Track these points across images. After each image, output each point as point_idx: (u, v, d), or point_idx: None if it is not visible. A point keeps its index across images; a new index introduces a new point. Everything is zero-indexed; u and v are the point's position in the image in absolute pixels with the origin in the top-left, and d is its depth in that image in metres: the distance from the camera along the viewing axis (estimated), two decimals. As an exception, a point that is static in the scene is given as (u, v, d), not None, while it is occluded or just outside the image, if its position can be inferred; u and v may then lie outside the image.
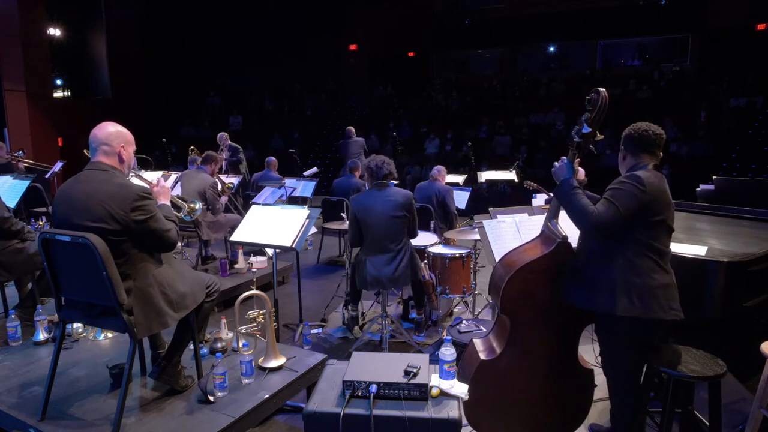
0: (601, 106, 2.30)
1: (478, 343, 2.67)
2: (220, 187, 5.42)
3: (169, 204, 2.70)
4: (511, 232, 3.13)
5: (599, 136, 2.37)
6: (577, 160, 2.42)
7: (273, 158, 7.50)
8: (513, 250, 2.60)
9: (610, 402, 2.51)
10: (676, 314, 2.23)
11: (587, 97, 2.33)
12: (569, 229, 2.43)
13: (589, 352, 3.29)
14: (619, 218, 2.19)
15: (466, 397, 2.29)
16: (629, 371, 2.38)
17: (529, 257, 2.45)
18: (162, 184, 2.72)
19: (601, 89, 2.31)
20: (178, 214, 2.81)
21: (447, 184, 6.06)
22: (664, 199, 2.25)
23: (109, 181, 2.33)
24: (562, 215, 2.45)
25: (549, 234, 2.49)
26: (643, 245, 2.23)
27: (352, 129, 9.81)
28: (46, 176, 7.68)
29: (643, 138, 2.33)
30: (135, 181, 2.61)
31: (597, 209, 2.22)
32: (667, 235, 2.30)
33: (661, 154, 2.36)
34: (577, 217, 2.28)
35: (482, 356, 2.56)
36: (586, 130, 2.34)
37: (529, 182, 4.26)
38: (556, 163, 2.43)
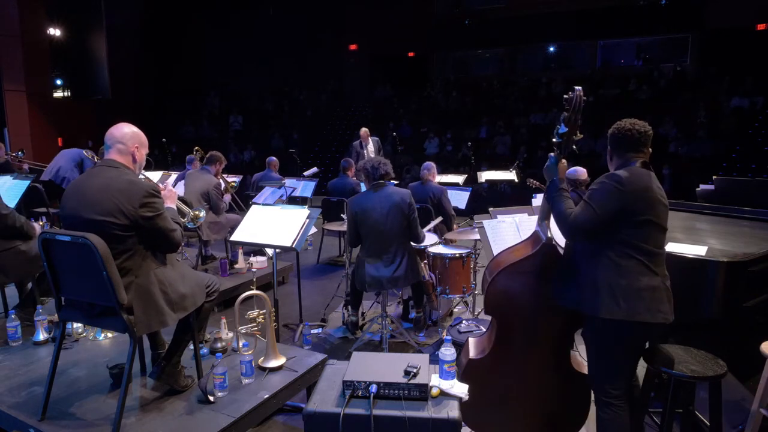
0: (576, 105, 2.25)
1: (472, 343, 2.68)
2: (223, 186, 5.43)
3: (174, 208, 2.74)
4: (511, 232, 3.13)
5: (578, 136, 2.32)
6: (563, 160, 2.37)
7: (274, 158, 7.48)
8: (504, 250, 2.61)
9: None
10: (665, 317, 2.15)
11: (564, 96, 2.29)
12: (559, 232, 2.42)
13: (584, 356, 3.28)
14: (595, 220, 2.14)
15: (467, 397, 2.29)
16: (613, 372, 2.27)
17: (514, 258, 2.45)
18: (169, 189, 2.77)
19: (577, 87, 2.26)
20: (182, 220, 2.83)
21: (447, 184, 5.99)
22: (648, 197, 2.16)
23: (120, 177, 2.36)
24: None
25: (537, 235, 2.48)
26: (629, 246, 2.16)
27: (362, 131, 8.79)
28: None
29: (626, 138, 2.26)
30: None
31: (574, 212, 2.19)
32: (659, 235, 2.20)
33: (650, 150, 2.29)
34: (557, 220, 2.27)
35: (472, 355, 2.57)
36: (563, 129, 2.30)
37: (531, 180, 4.26)
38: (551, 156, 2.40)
